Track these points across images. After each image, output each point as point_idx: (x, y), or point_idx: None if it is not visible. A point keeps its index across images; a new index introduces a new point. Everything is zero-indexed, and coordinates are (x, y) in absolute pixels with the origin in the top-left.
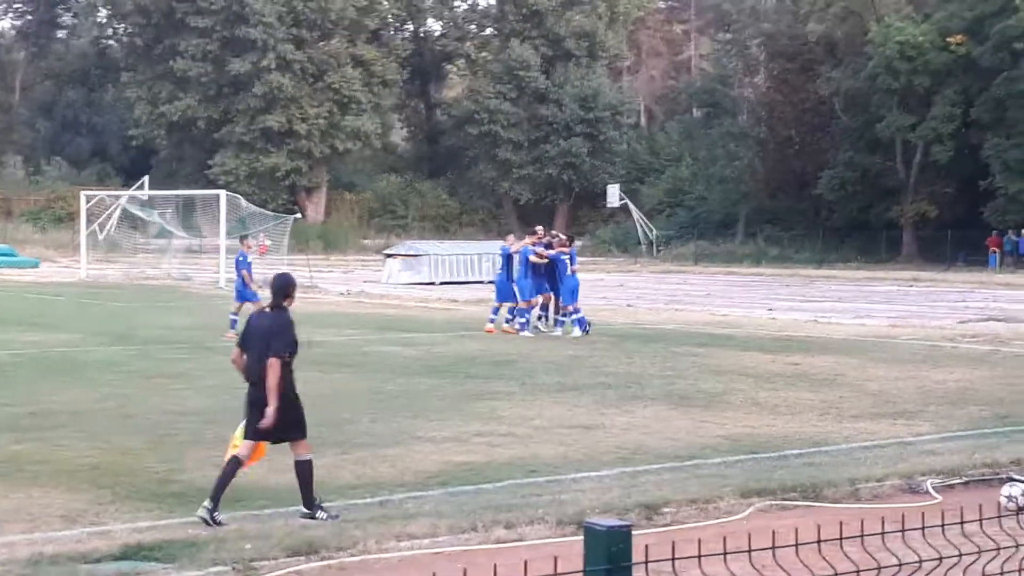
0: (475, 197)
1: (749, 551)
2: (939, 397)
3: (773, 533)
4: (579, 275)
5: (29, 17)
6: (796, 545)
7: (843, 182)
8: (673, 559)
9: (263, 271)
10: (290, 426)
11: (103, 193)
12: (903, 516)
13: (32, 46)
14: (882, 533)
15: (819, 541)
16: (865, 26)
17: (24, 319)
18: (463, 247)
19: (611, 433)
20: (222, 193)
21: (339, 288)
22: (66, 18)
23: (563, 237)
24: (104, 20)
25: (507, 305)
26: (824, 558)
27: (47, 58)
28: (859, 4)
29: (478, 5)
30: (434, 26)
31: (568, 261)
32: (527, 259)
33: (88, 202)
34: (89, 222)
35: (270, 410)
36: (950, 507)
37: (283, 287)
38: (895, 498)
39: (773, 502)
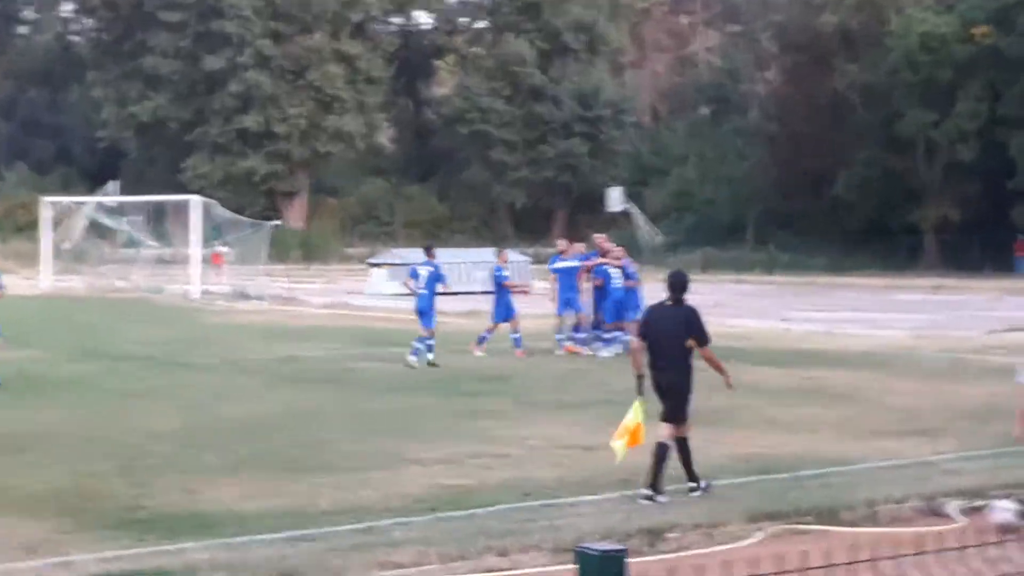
0: (466, 202)
1: None
2: (964, 413)
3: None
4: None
5: None
6: (804, 570)
7: (861, 182)
8: None
9: (231, 280)
10: (682, 407)
11: (68, 199)
12: (922, 539)
13: None
14: (896, 557)
15: (828, 566)
16: (884, 16)
17: None
18: (454, 255)
19: (612, 454)
20: (195, 199)
21: (320, 300)
22: (27, 12)
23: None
24: (69, 15)
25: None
26: None
27: (7, 55)
28: None
29: None
30: (423, 19)
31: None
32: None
33: (51, 210)
34: (53, 231)
35: (728, 380)
36: (974, 531)
37: (684, 283)
38: (916, 521)
39: (785, 526)
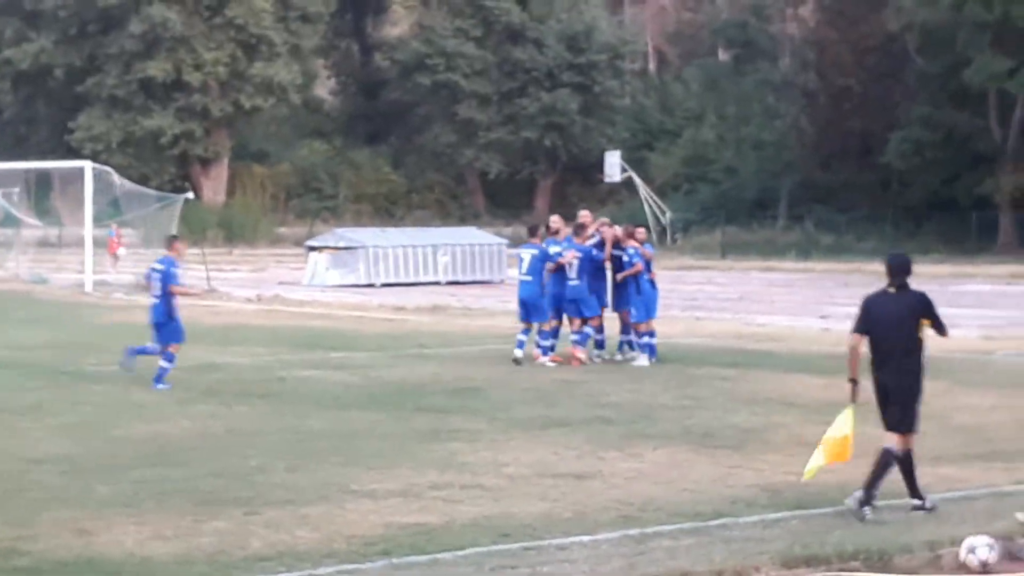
0: (428, 170)
1: None
2: None
3: None
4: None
5: None
6: None
7: (919, 147)
8: None
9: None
10: (912, 414)
11: None
12: None
13: None
14: None
15: None
16: None
17: None
18: (413, 237)
19: (611, 483)
20: (88, 165)
21: (246, 292)
22: None
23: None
24: None
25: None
26: None
27: None
28: None
29: None
30: None
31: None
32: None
33: None
34: None
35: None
36: None
37: (907, 265)
38: (989, 567)
39: (827, 574)
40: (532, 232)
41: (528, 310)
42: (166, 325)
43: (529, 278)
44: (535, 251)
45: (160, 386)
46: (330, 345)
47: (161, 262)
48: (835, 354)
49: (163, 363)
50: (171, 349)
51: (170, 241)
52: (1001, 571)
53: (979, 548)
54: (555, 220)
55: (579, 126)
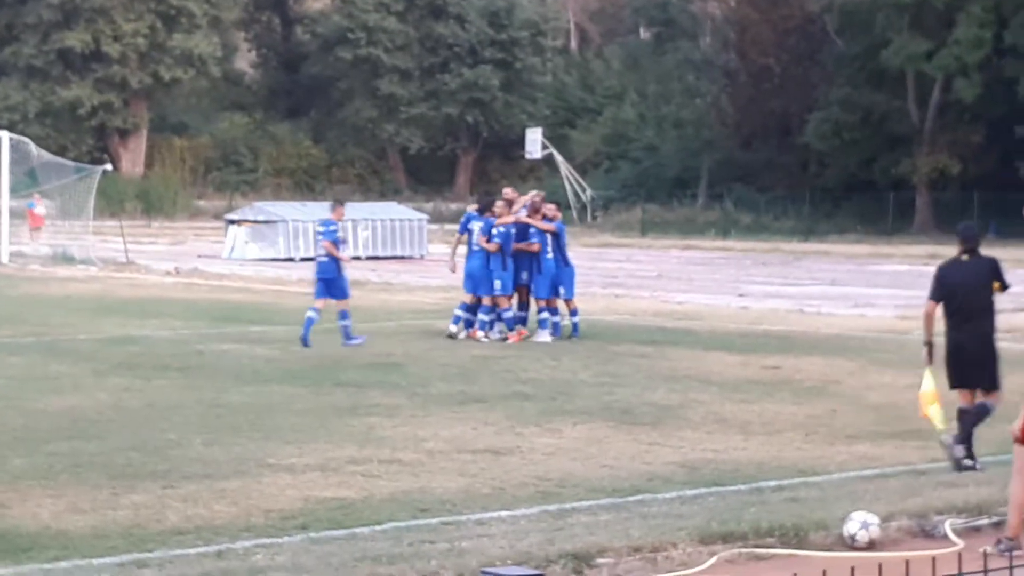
0: (349, 144)
1: None
2: None
3: None
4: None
5: None
6: None
7: (838, 127)
8: None
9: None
10: (993, 372)
11: None
12: (907, 565)
13: None
14: None
15: None
16: None
17: None
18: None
19: (529, 459)
20: (4, 135)
21: (165, 265)
22: None
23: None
24: None
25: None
26: None
27: None
28: None
29: None
30: None
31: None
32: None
33: None
34: None
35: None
36: (973, 555)
37: (977, 233)
38: (903, 544)
39: (743, 549)
40: (485, 208)
41: (475, 283)
42: (335, 281)
43: (477, 249)
44: (481, 223)
45: (355, 341)
46: (249, 319)
47: (323, 224)
48: (752, 332)
49: (346, 322)
50: (343, 306)
51: (334, 205)
52: (909, 549)
53: (871, 526)
54: (509, 191)
55: (500, 102)
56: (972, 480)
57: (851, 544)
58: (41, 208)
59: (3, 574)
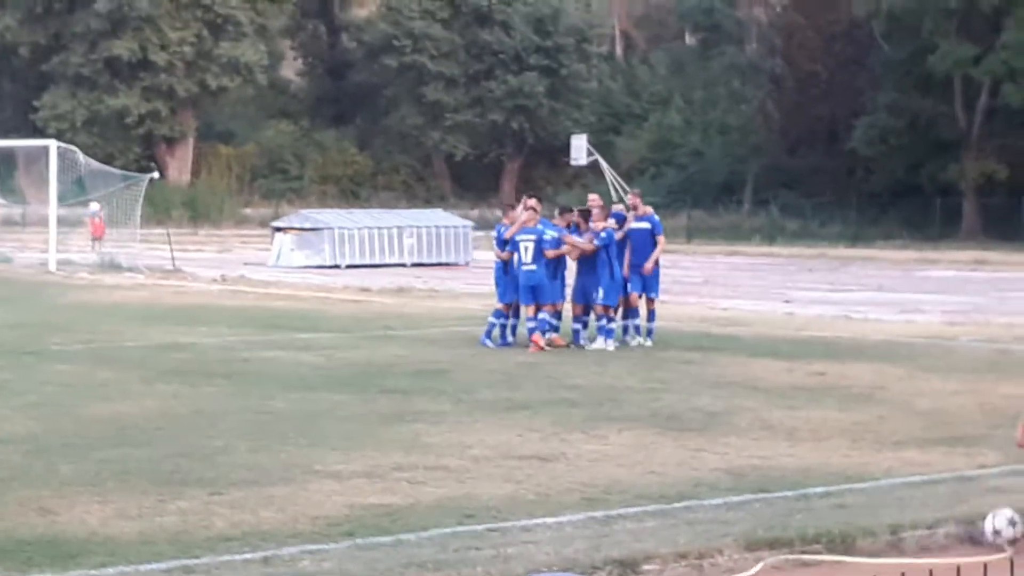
0: (395, 152)
1: None
2: (1010, 417)
3: None
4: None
5: None
6: None
7: (884, 133)
8: None
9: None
10: None
11: None
12: (959, 570)
13: None
14: None
15: None
16: None
17: None
18: (378, 218)
19: (575, 466)
20: (52, 144)
21: (211, 273)
22: None
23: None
24: None
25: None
26: None
27: None
28: None
29: None
30: None
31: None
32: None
33: None
34: None
35: None
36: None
37: None
38: (951, 550)
39: (790, 556)
40: (562, 212)
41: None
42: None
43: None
44: (554, 233)
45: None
46: (295, 326)
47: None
48: (799, 339)
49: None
50: (547, 309)
51: (563, 211)
52: (957, 555)
53: (1018, 524)
54: (594, 198)
55: (546, 109)
56: (1021, 487)
57: (991, 540)
58: (98, 214)
59: None
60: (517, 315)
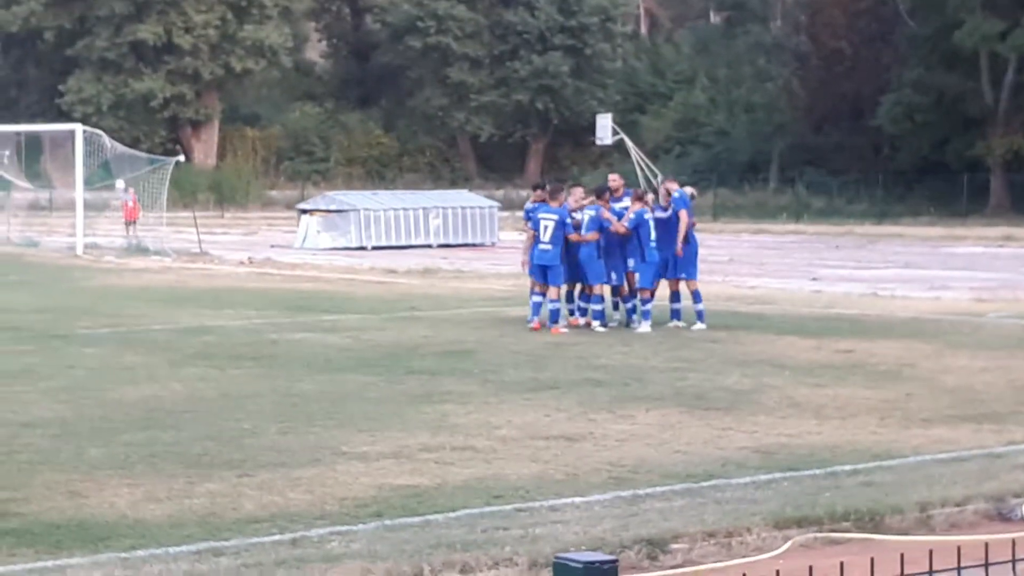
0: (420, 133)
1: None
2: None
3: (810, 569)
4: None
5: None
6: None
7: (910, 110)
8: None
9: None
10: None
11: None
12: (987, 548)
13: None
14: (958, 568)
15: None
16: None
17: None
18: (404, 200)
19: (602, 445)
20: (78, 128)
21: (238, 255)
22: None
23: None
24: None
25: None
26: None
27: None
28: None
29: None
30: None
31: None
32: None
33: None
34: None
35: None
36: None
37: None
38: (980, 527)
39: (818, 534)
40: (599, 195)
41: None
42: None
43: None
44: (592, 212)
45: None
46: (322, 308)
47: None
48: (826, 316)
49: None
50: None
51: (601, 191)
52: (986, 532)
53: None
54: (615, 178)
55: (571, 89)
56: None
57: (1021, 516)
58: (132, 201)
59: (81, 563)
60: (571, 298)
